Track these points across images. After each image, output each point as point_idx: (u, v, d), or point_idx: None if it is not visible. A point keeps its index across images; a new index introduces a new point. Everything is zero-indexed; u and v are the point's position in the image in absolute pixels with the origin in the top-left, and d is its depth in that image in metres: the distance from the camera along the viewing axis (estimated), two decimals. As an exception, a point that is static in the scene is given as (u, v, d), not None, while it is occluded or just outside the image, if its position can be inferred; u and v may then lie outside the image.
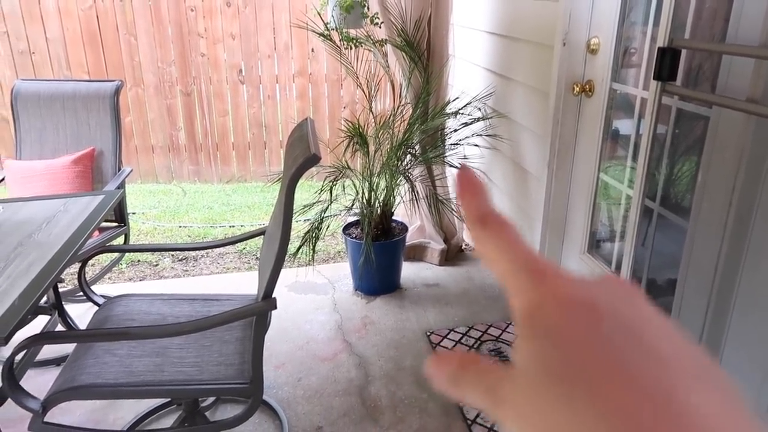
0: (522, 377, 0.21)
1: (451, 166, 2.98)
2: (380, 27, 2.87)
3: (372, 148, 2.71)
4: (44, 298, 1.86)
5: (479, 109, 2.90)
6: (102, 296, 1.90)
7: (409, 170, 2.82)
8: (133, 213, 4.00)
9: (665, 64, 1.56)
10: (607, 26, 2.04)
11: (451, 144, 2.94)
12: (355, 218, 2.89)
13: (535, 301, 0.22)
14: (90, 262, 2.26)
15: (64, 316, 2.04)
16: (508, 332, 2.50)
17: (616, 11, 2.00)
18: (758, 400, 1.48)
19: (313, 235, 2.64)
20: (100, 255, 3.06)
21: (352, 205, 2.77)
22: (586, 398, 0.18)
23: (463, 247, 3.30)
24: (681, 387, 0.19)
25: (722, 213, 1.53)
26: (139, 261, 3.25)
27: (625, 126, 2.10)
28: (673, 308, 1.76)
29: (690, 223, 1.67)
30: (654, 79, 1.61)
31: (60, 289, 2.15)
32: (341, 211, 2.78)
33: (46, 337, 1.73)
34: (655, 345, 0.20)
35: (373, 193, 2.72)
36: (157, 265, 3.22)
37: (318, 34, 2.84)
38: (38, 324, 2.20)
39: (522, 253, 0.24)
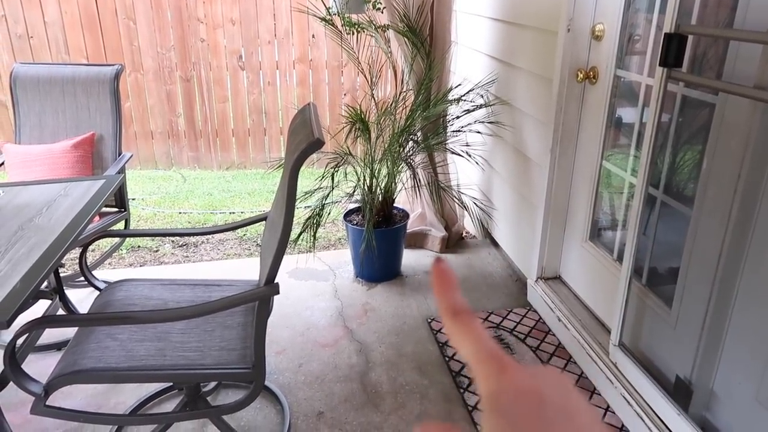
0: None
1: (453, 152, 2.96)
2: (382, 12, 2.84)
3: (373, 135, 2.70)
4: (45, 283, 1.85)
5: (481, 95, 2.88)
6: (103, 281, 1.89)
7: (411, 157, 2.81)
8: (133, 199, 3.99)
9: (671, 51, 1.55)
10: (613, 12, 2.02)
11: (453, 131, 2.92)
12: (357, 205, 2.88)
13: (498, 388, 0.29)
14: (90, 247, 2.26)
15: (65, 300, 2.04)
16: (509, 320, 2.50)
17: (621, -3, 1.98)
18: (759, 390, 1.48)
19: (314, 221, 2.64)
20: (101, 240, 3.05)
21: (353, 191, 2.76)
22: None
23: (464, 234, 3.30)
24: None
25: (727, 201, 1.52)
26: (139, 247, 3.24)
27: (628, 113, 2.09)
28: (675, 297, 1.76)
29: (694, 211, 1.67)
30: (660, 65, 1.60)
31: (61, 274, 2.15)
32: (342, 197, 2.77)
33: (48, 321, 1.73)
34: (579, 424, 0.27)
35: (374, 179, 2.71)
36: (157, 251, 3.22)
37: (320, 18, 2.81)
38: (39, 309, 2.20)
39: (486, 345, 0.30)
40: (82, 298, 2.60)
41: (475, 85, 2.90)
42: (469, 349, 0.31)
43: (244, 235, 3.38)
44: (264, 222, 1.92)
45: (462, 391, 2.10)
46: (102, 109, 2.58)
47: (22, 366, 1.45)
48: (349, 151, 2.66)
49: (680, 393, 1.73)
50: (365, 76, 2.85)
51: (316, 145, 1.36)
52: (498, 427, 0.27)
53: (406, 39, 2.79)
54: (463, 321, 0.32)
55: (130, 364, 1.50)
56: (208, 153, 4.70)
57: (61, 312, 2.09)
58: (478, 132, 2.95)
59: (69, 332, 1.73)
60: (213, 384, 2.10)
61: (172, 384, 2.05)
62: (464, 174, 3.29)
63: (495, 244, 3.14)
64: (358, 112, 2.60)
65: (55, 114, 2.60)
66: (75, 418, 1.62)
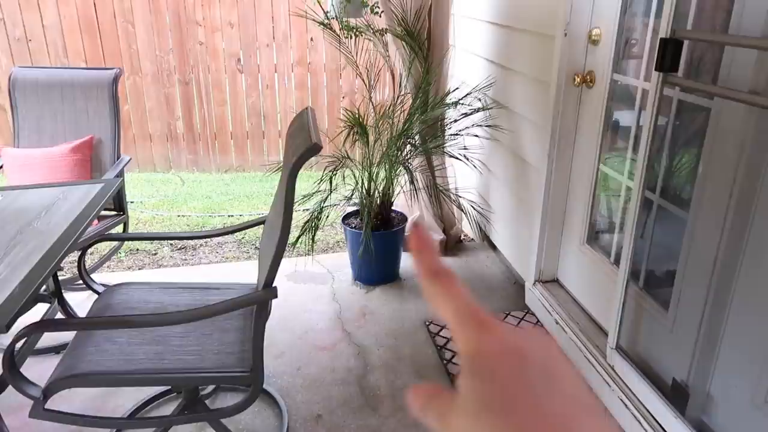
0: (463, 405, 0.26)
1: (450, 156, 2.97)
2: (380, 16, 2.85)
3: (372, 138, 2.71)
4: (44, 287, 1.86)
5: (479, 99, 2.89)
6: (101, 284, 1.89)
7: (409, 160, 2.82)
8: (132, 202, 3.99)
9: (667, 55, 1.56)
10: (609, 17, 2.04)
11: (451, 134, 2.93)
12: (355, 208, 2.89)
13: (476, 347, 0.27)
14: (89, 250, 2.26)
15: (63, 304, 2.04)
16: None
17: (618, 2, 1.99)
18: (755, 393, 1.49)
19: (313, 224, 2.64)
20: (99, 243, 3.06)
21: (352, 195, 2.76)
22: (509, 426, 0.24)
23: (462, 238, 3.30)
24: (576, 417, 0.25)
25: (722, 205, 1.53)
26: (138, 250, 3.24)
27: (625, 117, 2.10)
28: (672, 300, 1.77)
29: (690, 214, 1.68)
30: (656, 70, 1.61)
31: (59, 278, 2.15)
32: (341, 201, 2.78)
33: (47, 324, 1.73)
34: (562, 386, 0.26)
35: (372, 183, 2.71)
36: (155, 254, 3.22)
37: (318, 23, 2.82)
38: (38, 312, 2.20)
39: (466, 305, 0.30)
40: (80, 302, 2.60)
41: (473, 88, 2.91)
42: (448, 309, 0.30)
43: (243, 238, 3.39)
44: (262, 225, 1.93)
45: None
46: (101, 112, 2.58)
47: (21, 369, 1.46)
48: (348, 155, 2.66)
49: (677, 396, 1.73)
50: (363, 79, 2.86)
51: (314, 149, 1.36)
52: (476, 387, 0.26)
53: (404, 43, 2.80)
54: (443, 282, 0.31)
55: (128, 368, 1.50)
56: (206, 156, 4.71)
57: (59, 315, 2.09)
58: (476, 135, 2.96)
59: (68, 336, 1.73)
60: (211, 387, 2.10)
61: (170, 387, 2.06)
62: (462, 177, 3.30)
63: (493, 247, 3.15)
64: (357, 115, 2.61)
65: (53, 118, 2.60)
66: (73, 422, 1.63)
